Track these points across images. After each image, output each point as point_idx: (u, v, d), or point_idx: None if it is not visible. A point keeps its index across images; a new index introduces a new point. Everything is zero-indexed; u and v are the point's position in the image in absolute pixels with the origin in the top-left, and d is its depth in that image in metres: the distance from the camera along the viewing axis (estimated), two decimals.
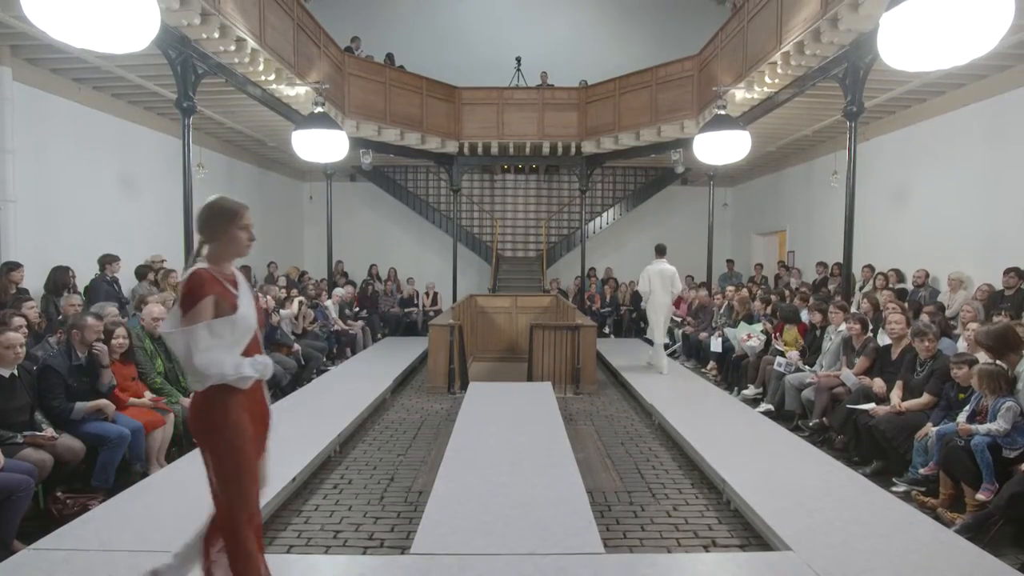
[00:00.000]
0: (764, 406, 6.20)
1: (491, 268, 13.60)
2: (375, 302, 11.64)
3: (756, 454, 4.50)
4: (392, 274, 12.76)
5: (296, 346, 7.30)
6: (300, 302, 8.30)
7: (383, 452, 5.02)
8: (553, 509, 3.49)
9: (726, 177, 13.67)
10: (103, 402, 4.04)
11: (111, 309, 5.07)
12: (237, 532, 2.15)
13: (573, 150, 11.99)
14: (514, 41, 14.00)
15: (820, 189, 10.52)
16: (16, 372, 3.64)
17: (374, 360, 8.60)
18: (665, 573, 2.93)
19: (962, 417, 3.84)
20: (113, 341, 4.35)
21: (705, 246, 11.54)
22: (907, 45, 4.12)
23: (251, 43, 6.83)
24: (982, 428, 3.60)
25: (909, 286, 7.90)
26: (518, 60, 13.42)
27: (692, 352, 9.07)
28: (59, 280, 6.15)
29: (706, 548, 3.41)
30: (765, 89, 8.07)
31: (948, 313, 6.44)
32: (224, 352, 2.10)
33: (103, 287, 6.70)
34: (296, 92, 8.38)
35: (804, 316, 6.70)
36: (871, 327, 5.64)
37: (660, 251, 7.91)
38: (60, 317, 5.29)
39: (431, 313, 11.73)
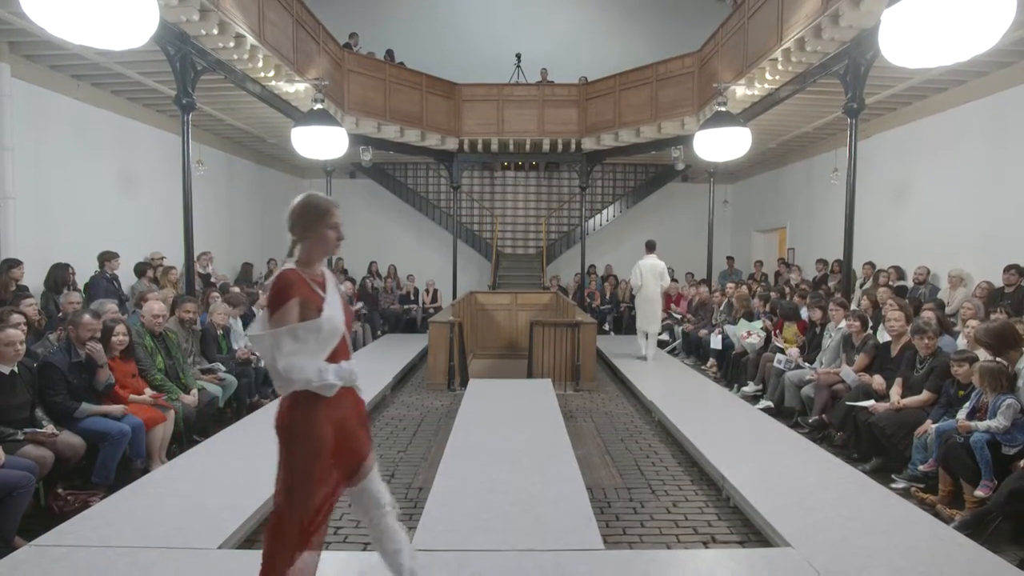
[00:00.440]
0: (764, 403, 6.21)
1: (491, 265, 13.60)
2: (375, 299, 11.64)
3: (756, 451, 4.51)
4: (392, 271, 12.76)
5: None
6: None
7: (383, 449, 5.02)
8: (553, 506, 3.50)
9: (726, 174, 13.66)
10: (115, 408, 4.05)
11: (111, 306, 5.06)
12: (281, 538, 2.06)
13: (573, 147, 11.98)
14: (514, 38, 13.97)
15: (820, 186, 10.51)
16: (16, 369, 3.64)
17: (374, 357, 8.60)
18: (664, 569, 2.94)
19: (962, 414, 3.85)
20: (113, 338, 4.35)
21: (705, 243, 11.53)
22: (908, 41, 4.11)
23: (250, 39, 6.81)
24: (981, 425, 3.60)
25: (909, 283, 7.90)
26: (518, 57, 13.39)
27: (692, 349, 9.08)
28: (59, 277, 6.15)
29: (705, 544, 3.42)
30: (766, 86, 8.06)
31: (948, 310, 6.44)
32: (308, 358, 2.01)
33: (103, 284, 6.70)
34: (295, 89, 8.36)
35: (804, 313, 6.70)
36: (871, 324, 5.64)
37: (650, 247, 8.44)
38: (60, 314, 5.29)
39: (431, 310, 11.73)
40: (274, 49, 7.42)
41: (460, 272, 12.82)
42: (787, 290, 8.65)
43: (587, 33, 14.54)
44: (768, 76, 7.76)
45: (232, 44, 6.57)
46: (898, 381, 4.64)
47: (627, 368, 7.82)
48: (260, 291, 7.27)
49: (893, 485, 4.06)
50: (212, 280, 8.62)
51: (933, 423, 4.05)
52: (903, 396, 4.50)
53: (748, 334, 7.13)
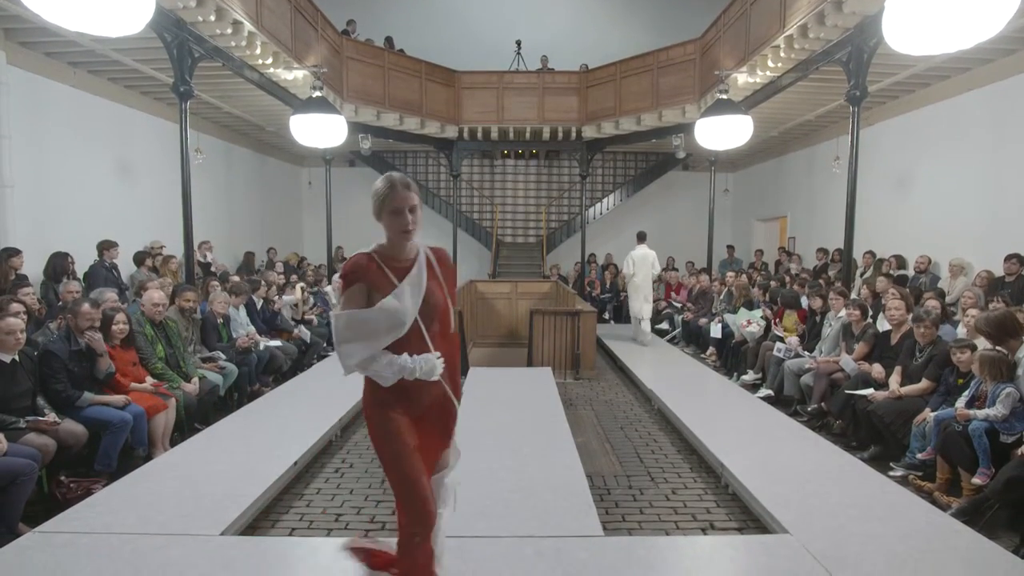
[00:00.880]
0: (763, 391, 6.23)
1: (491, 254, 13.59)
2: None
3: (754, 439, 4.52)
4: None
5: (298, 330, 7.32)
6: (302, 288, 8.31)
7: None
8: (552, 493, 3.52)
9: (727, 163, 13.60)
10: (117, 397, 4.06)
11: (110, 295, 5.06)
12: (405, 522, 2.09)
13: (573, 135, 11.91)
14: (514, 24, 13.85)
15: (822, 175, 10.47)
16: (17, 358, 3.65)
17: None
18: (663, 555, 2.96)
19: (961, 403, 3.86)
20: (113, 327, 4.35)
21: (706, 232, 11.51)
22: (912, 28, 4.08)
23: (248, 26, 6.75)
24: (980, 413, 3.62)
25: (911, 272, 7.89)
26: (518, 44, 13.29)
27: (692, 338, 9.09)
28: (58, 266, 6.15)
29: (704, 531, 3.44)
30: (768, 73, 8.00)
31: (948, 299, 6.44)
32: (360, 345, 1.97)
33: (102, 273, 6.70)
34: (294, 76, 8.30)
35: (803, 302, 6.71)
36: (871, 313, 5.64)
37: (641, 237, 8.94)
38: (60, 303, 5.29)
39: None
40: (272, 36, 7.36)
41: (460, 261, 12.77)
42: (787, 279, 8.65)
43: (588, 20, 14.42)
44: (770, 63, 7.70)
45: (229, 30, 6.51)
46: (897, 369, 4.65)
47: (627, 357, 7.84)
48: (261, 280, 7.26)
49: (891, 473, 4.08)
50: (212, 269, 8.62)
51: (932, 411, 4.06)
52: (902, 384, 4.51)
53: (748, 323, 7.14)
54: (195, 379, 4.91)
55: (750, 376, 6.78)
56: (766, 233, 13.64)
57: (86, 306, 4.15)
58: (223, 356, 5.58)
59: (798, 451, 4.26)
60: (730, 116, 7.93)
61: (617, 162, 14.59)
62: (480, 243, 14.19)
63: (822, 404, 5.27)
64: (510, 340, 10.07)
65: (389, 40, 12.71)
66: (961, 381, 4.07)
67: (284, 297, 7.80)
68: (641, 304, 8.70)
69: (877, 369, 4.84)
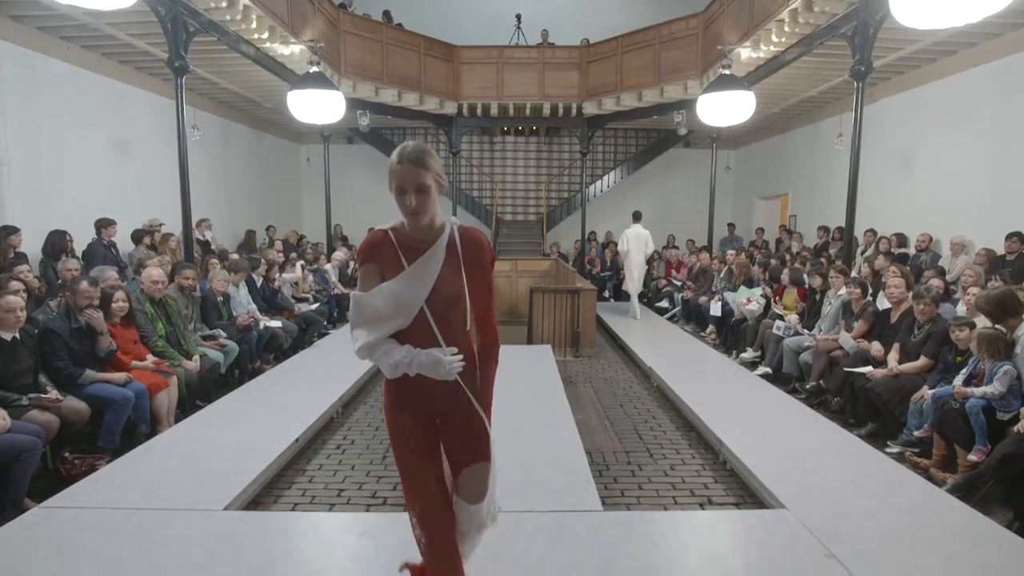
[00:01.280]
0: (762, 369, 6.25)
1: (491, 232, 13.53)
2: None
3: (753, 416, 4.56)
4: None
5: (299, 308, 7.33)
6: (302, 266, 8.29)
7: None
8: (552, 469, 3.55)
9: (729, 140, 13.47)
10: (118, 375, 4.08)
11: (111, 273, 5.06)
12: (415, 521, 1.96)
13: (574, 111, 11.77)
14: None
15: (824, 152, 10.37)
16: (18, 336, 3.66)
17: None
18: (661, 530, 3.00)
19: (958, 380, 3.88)
20: (113, 305, 4.35)
21: (706, 209, 11.44)
22: (919, 1, 3.99)
23: None
24: (977, 391, 3.63)
25: (912, 250, 7.87)
26: (518, 18, 13.05)
27: (691, 316, 9.11)
28: (57, 244, 6.12)
29: (702, 506, 3.49)
30: (771, 48, 7.86)
31: (949, 278, 6.43)
32: (363, 330, 1.81)
33: (101, 251, 6.68)
34: (291, 51, 8.17)
35: (804, 280, 6.70)
36: (871, 291, 5.64)
37: (636, 217, 9.19)
38: (60, 281, 5.28)
39: None
40: (268, 9, 7.22)
41: None
42: (788, 257, 8.63)
43: None
44: (774, 38, 7.57)
45: (224, 4, 6.38)
46: (896, 347, 4.66)
47: (626, 334, 7.86)
48: (260, 258, 7.25)
49: (888, 450, 4.12)
50: (212, 247, 8.59)
51: (930, 389, 4.08)
52: (901, 362, 4.53)
53: (748, 301, 7.14)
54: (196, 357, 4.93)
55: (749, 354, 6.80)
56: (767, 211, 13.57)
57: (84, 284, 4.14)
58: (223, 334, 5.59)
59: (796, 428, 4.30)
60: (733, 92, 7.82)
61: (618, 139, 14.44)
62: (480, 221, 14.11)
63: (820, 382, 5.29)
64: (510, 318, 10.09)
65: (387, 14, 12.48)
66: (959, 359, 4.08)
67: (284, 275, 7.79)
68: (634, 282, 9.18)
69: (876, 347, 4.85)
